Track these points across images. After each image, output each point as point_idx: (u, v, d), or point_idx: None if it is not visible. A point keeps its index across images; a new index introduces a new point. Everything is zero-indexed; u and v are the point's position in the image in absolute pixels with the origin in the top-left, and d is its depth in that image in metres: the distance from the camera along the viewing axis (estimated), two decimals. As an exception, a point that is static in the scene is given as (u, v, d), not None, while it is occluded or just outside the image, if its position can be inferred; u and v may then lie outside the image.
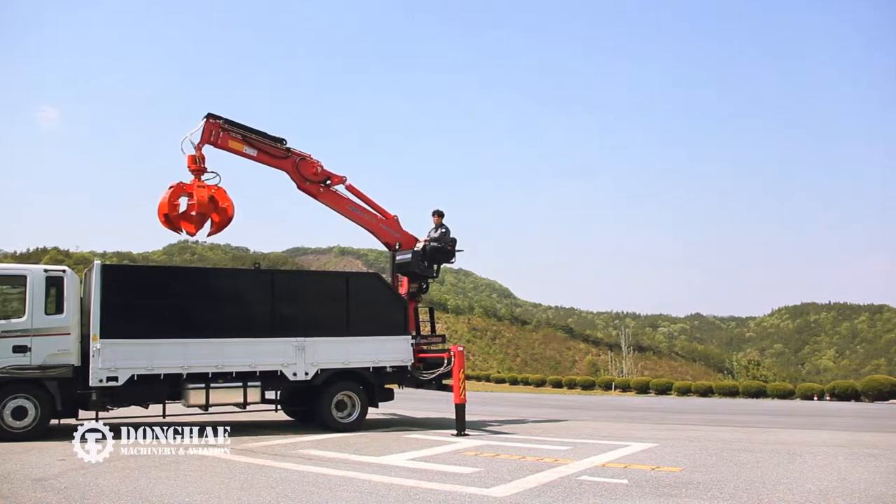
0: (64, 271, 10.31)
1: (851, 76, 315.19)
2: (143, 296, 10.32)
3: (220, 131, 11.51)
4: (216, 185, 11.29)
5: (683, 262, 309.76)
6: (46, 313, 9.77)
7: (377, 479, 6.72)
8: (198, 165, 11.18)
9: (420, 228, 13.59)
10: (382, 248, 13.50)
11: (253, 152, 11.92)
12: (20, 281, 9.83)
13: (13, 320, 9.59)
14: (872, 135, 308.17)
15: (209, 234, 11.59)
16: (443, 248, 13.14)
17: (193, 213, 11.02)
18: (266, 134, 12.04)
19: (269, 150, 12.08)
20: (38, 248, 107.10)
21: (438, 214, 13.47)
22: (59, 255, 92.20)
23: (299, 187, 12.32)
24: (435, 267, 13.20)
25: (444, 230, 13.30)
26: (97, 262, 10.11)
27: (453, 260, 13.45)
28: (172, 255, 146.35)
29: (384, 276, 13.41)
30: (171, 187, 11.10)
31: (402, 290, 12.88)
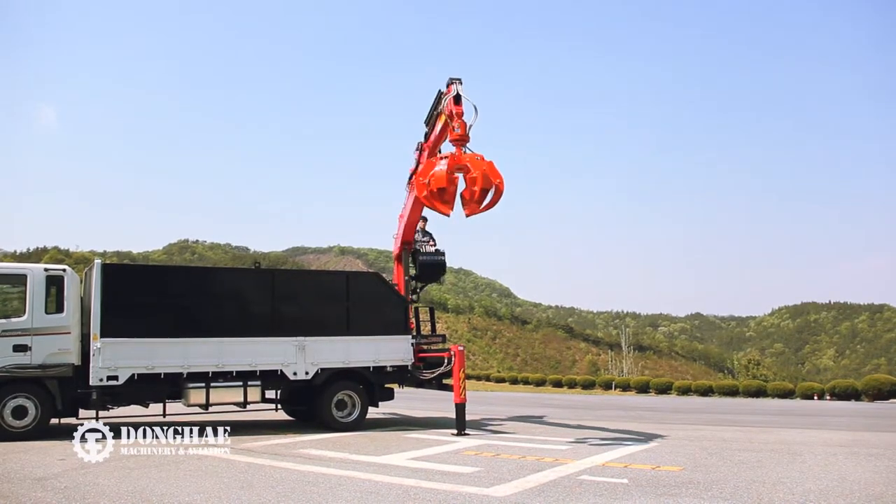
0: (64, 270, 10.31)
1: (852, 75, 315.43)
2: (143, 295, 10.32)
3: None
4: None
5: (683, 262, 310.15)
6: (47, 312, 9.77)
7: (377, 478, 6.72)
8: (465, 133, 9.67)
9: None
10: (382, 248, 13.70)
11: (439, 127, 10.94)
12: (20, 280, 9.83)
13: (13, 319, 9.60)
14: (873, 135, 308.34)
15: (479, 211, 9.77)
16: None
17: (476, 188, 9.51)
18: None
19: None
20: (38, 248, 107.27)
21: (423, 219, 13.48)
22: (60, 255, 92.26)
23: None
24: None
25: (430, 234, 13.37)
26: (97, 262, 10.11)
27: None
28: (172, 255, 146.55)
29: (384, 275, 13.40)
30: (441, 157, 9.72)
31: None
